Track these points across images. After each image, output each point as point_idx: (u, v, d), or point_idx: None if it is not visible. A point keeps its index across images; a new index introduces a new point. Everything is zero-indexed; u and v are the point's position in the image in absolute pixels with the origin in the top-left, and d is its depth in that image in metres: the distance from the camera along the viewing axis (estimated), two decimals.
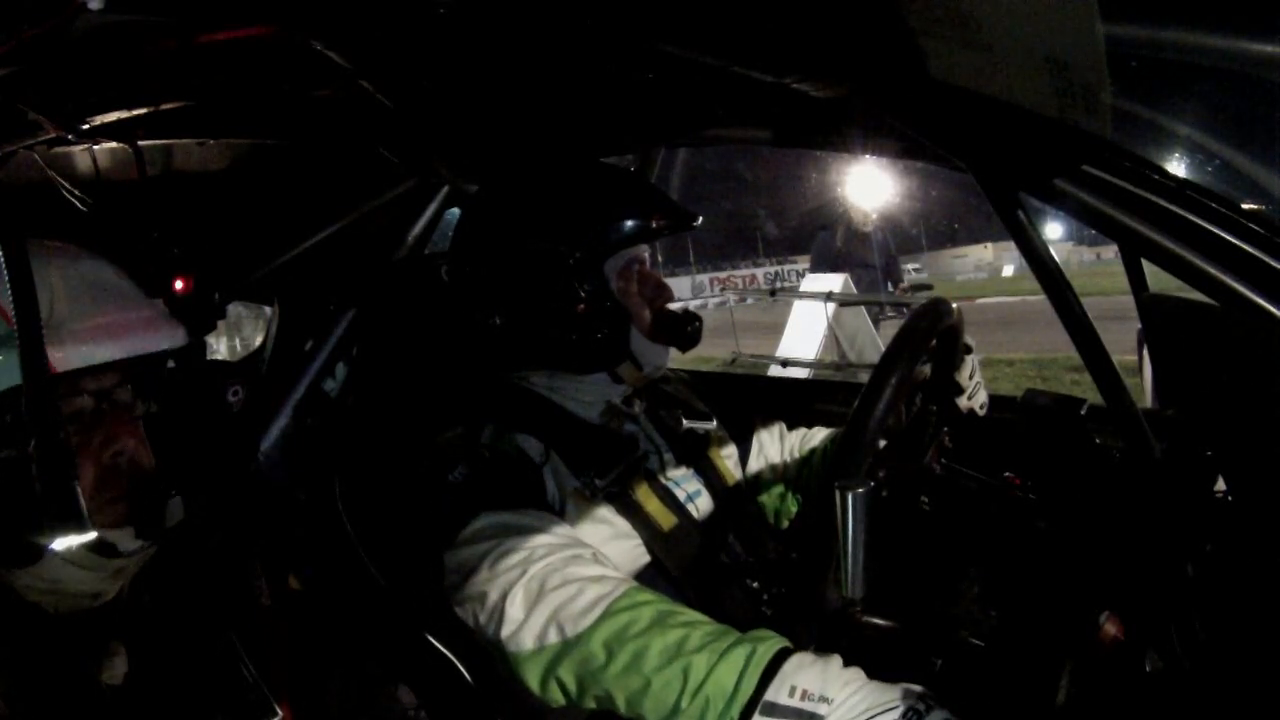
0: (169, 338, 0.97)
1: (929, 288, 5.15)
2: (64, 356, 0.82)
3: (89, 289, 0.91)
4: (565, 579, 0.92)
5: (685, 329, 1.23)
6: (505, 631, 0.92)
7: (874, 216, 5.51)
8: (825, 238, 5.71)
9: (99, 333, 0.88)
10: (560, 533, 1.00)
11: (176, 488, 0.93)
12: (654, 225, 1.18)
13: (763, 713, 0.78)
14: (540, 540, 0.97)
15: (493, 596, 0.94)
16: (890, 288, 5.58)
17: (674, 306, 1.25)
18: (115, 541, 0.88)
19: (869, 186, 5.60)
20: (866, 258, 5.54)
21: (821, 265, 5.63)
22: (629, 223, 1.17)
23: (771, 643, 0.83)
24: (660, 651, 0.83)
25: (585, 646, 0.86)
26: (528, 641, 0.90)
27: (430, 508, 1.07)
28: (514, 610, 0.92)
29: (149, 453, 0.93)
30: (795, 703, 0.77)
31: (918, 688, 0.77)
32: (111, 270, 0.96)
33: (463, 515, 1.02)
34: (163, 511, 0.91)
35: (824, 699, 0.76)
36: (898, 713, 0.74)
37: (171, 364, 1.01)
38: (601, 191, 1.20)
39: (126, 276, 0.98)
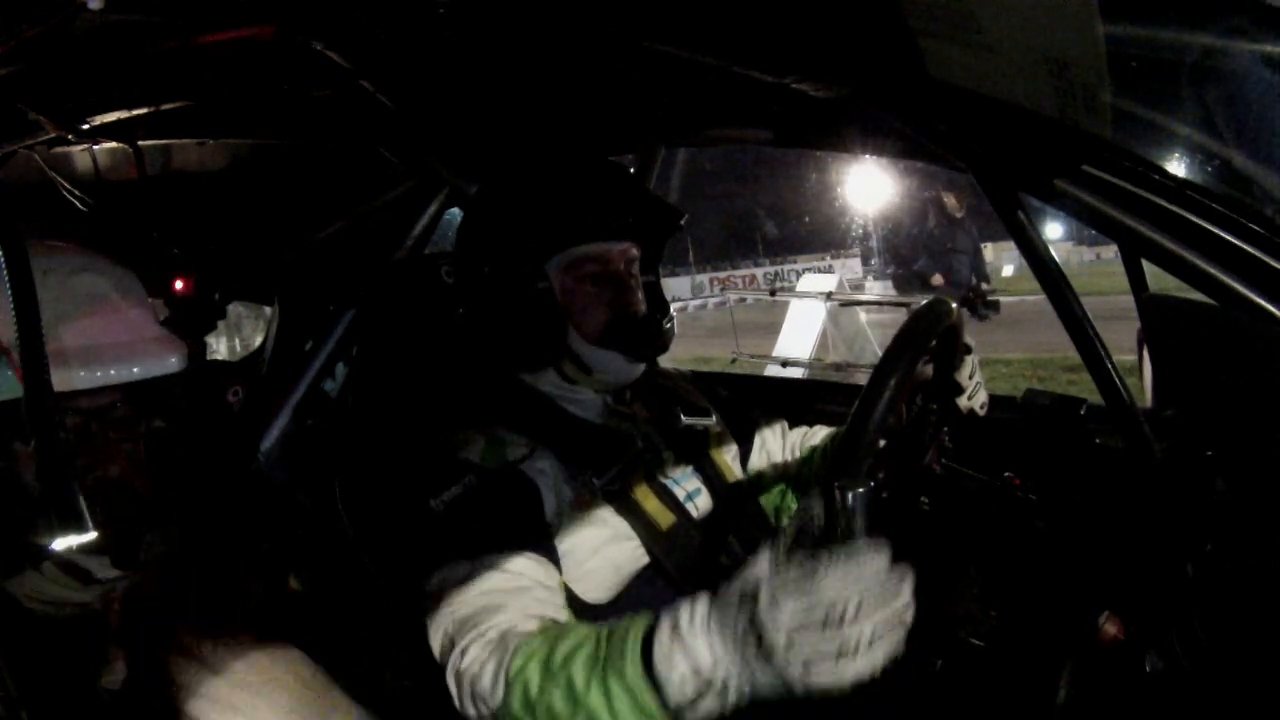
0: (164, 363, 0.90)
1: (996, 298, 4.70)
2: None
3: (79, 303, 0.86)
4: (477, 654, 0.90)
5: (635, 338, 1.17)
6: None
7: (963, 203, 5.41)
8: (909, 229, 5.68)
9: (86, 354, 0.83)
10: (506, 583, 0.97)
11: (158, 520, 0.90)
12: (598, 226, 1.14)
13: (682, 714, 0.77)
14: (480, 603, 0.95)
15: (440, 660, 0.95)
16: (975, 282, 5.43)
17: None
18: (90, 569, 0.86)
19: (869, 186, 5.59)
20: (961, 244, 5.46)
21: (917, 252, 5.57)
22: (574, 220, 1.14)
23: (631, 654, 0.80)
24: (564, 706, 0.82)
25: (512, 718, 0.85)
26: (470, 713, 0.91)
27: (412, 536, 1.06)
28: (452, 687, 0.92)
29: (141, 475, 0.89)
30: (692, 690, 0.76)
31: (741, 584, 0.74)
32: (110, 286, 0.91)
33: (436, 556, 1.01)
34: (139, 543, 0.89)
35: (704, 670, 0.75)
36: (744, 621, 0.72)
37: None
38: (566, 188, 1.17)
39: (124, 296, 0.92)
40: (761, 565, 0.74)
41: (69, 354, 0.82)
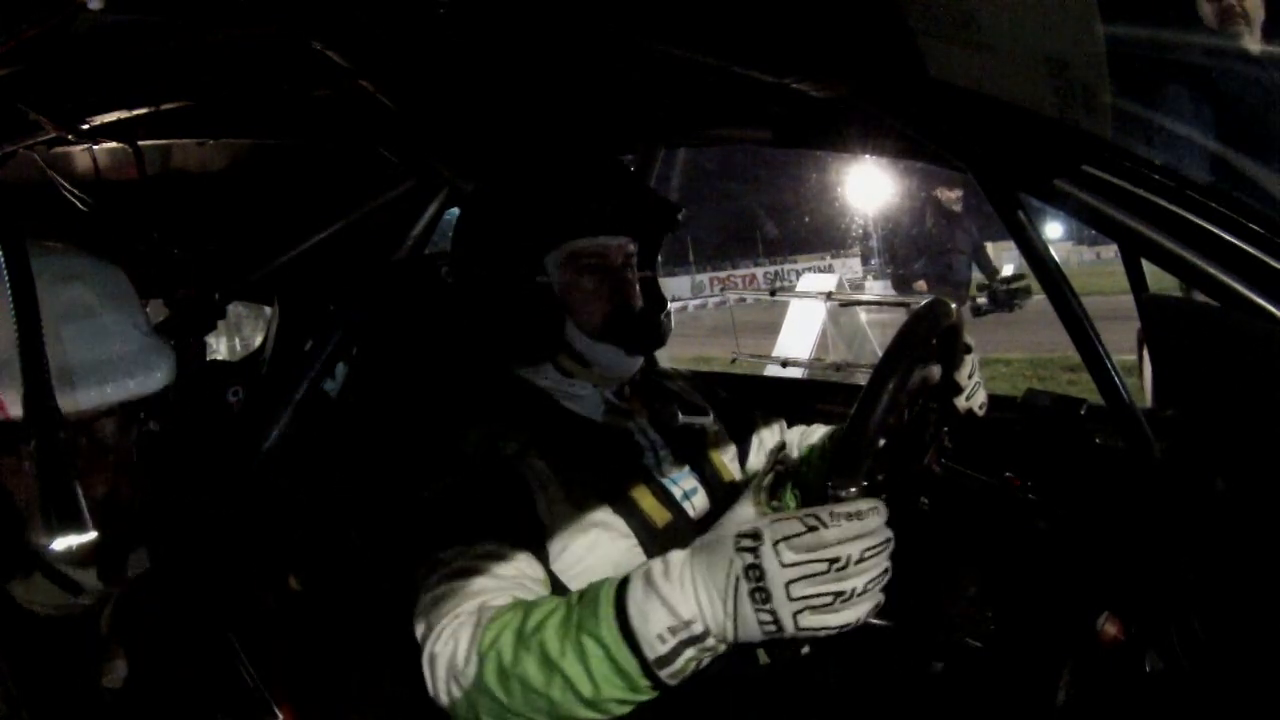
0: (149, 379, 0.86)
1: (1025, 284, 4.33)
2: (16, 399, 0.73)
3: (58, 322, 0.81)
4: (452, 633, 0.90)
5: (632, 332, 1.18)
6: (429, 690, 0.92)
7: (960, 196, 5.28)
8: (908, 229, 5.63)
9: (70, 373, 0.79)
10: (489, 569, 0.97)
11: (148, 532, 0.89)
12: (597, 220, 1.15)
13: (660, 668, 0.78)
14: (458, 585, 0.95)
15: (420, 642, 0.94)
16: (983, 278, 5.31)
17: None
18: (79, 580, 0.85)
19: (869, 186, 5.57)
20: (958, 242, 5.38)
21: (914, 252, 5.49)
22: (572, 215, 1.14)
23: (605, 613, 0.81)
24: (538, 672, 0.82)
25: (484, 694, 0.85)
26: (442, 699, 0.90)
27: (402, 527, 1.06)
28: (427, 671, 0.91)
29: (129, 489, 0.87)
30: (672, 643, 0.77)
31: (735, 530, 0.77)
32: (96, 296, 0.86)
33: (426, 546, 1.00)
34: (126, 559, 0.87)
35: (685, 622, 0.77)
36: (739, 566, 0.75)
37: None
38: (564, 183, 1.18)
39: (110, 305, 0.87)
40: (745, 511, 0.76)
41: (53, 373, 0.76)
